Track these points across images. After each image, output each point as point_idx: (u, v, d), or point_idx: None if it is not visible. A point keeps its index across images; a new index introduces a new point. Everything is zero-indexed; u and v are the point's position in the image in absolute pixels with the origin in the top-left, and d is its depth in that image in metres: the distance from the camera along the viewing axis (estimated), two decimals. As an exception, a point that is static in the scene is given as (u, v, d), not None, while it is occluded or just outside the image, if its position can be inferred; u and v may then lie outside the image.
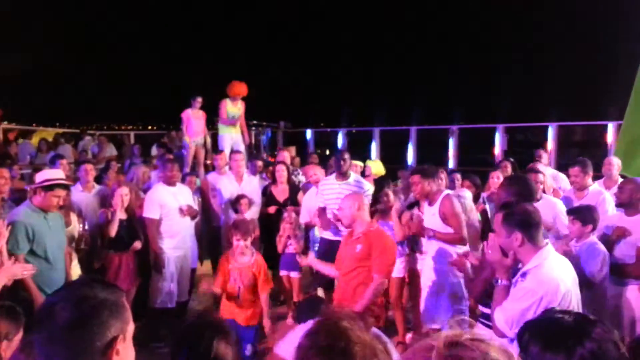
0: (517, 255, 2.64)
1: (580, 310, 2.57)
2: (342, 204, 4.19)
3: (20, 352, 1.95)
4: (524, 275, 2.57)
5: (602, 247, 4.02)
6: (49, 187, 4.02)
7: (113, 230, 5.06)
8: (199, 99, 8.90)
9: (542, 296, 2.44)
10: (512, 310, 2.51)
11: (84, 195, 5.66)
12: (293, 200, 6.18)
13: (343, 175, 5.53)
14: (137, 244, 5.22)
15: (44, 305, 1.31)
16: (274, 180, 6.48)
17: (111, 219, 5.11)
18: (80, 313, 1.26)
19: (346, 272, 4.01)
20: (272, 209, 6.25)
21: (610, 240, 4.29)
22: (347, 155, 5.57)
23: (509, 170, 6.35)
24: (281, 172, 6.37)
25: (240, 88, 8.26)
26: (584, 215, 4.06)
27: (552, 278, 2.48)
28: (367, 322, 1.51)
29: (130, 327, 1.37)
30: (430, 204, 4.62)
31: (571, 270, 2.65)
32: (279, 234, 5.82)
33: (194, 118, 8.89)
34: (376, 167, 7.75)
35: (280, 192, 6.32)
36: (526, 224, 2.61)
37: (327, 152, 14.09)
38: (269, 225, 6.30)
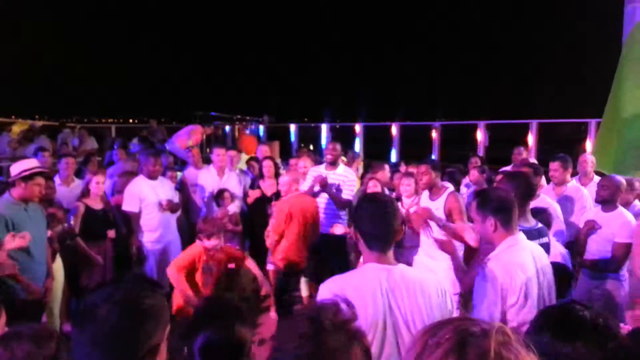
0: (492, 242, 2.65)
1: (551, 299, 2.58)
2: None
3: None
4: (486, 263, 2.56)
5: (558, 246, 3.95)
6: (29, 177, 3.98)
7: (76, 226, 4.99)
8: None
9: (501, 283, 2.43)
10: (484, 311, 2.46)
11: (63, 190, 5.56)
12: (278, 195, 6.18)
13: (332, 164, 5.61)
14: (111, 233, 5.16)
15: (88, 304, 1.26)
16: (261, 175, 6.48)
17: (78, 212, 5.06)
18: (127, 322, 1.22)
19: None
20: (252, 197, 6.28)
21: (581, 236, 4.36)
22: (338, 146, 5.67)
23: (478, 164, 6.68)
24: (269, 167, 6.39)
25: (249, 147, 9.18)
26: (539, 219, 4.03)
27: (509, 265, 2.48)
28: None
29: (168, 329, 1.33)
30: (433, 198, 4.61)
31: (542, 258, 2.64)
32: (267, 229, 5.81)
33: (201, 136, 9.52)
34: None
35: (268, 186, 6.33)
36: (500, 210, 2.61)
37: (311, 146, 14.08)
38: (253, 220, 6.31)
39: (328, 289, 2.06)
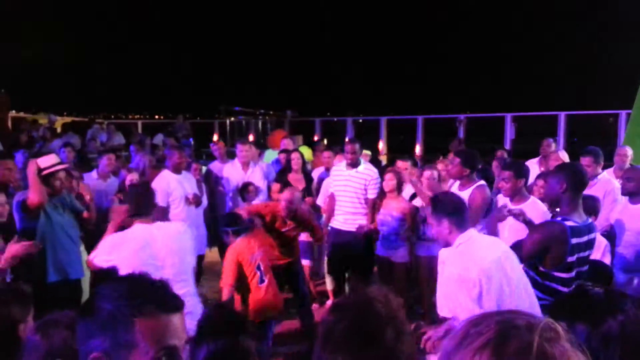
0: (448, 243, 2.82)
1: (525, 287, 2.69)
2: None
3: (36, 333, 1.92)
4: (443, 263, 2.82)
5: (601, 238, 3.94)
6: (46, 179, 4.05)
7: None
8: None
9: (459, 275, 2.63)
10: (463, 304, 2.60)
11: (99, 184, 5.69)
12: (309, 190, 6.18)
13: (353, 166, 5.55)
14: None
15: (91, 296, 1.22)
16: (289, 169, 6.43)
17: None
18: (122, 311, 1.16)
19: None
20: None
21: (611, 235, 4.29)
22: (356, 146, 5.57)
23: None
24: (297, 160, 6.32)
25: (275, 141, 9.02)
26: (585, 206, 3.97)
27: (464, 259, 2.68)
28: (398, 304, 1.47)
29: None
30: (461, 188, 4.48)
31: (501, 248, 2.77)
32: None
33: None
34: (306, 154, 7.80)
35: (297, 180, 6.25)
36: (453, 211, 2.78)
37: (325, 141, 14.09)
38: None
39: (104, 250, 3.32)
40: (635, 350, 1.36)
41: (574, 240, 2.87)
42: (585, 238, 2.96)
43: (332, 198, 5.68)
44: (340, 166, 5.73)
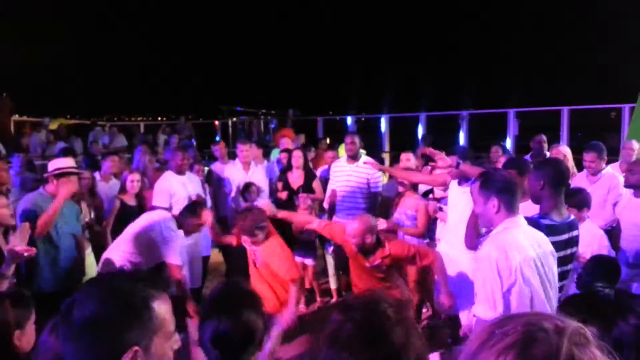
0: (492, 223, 2.61)
1: (554, 286, 2.55)
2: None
3: (50, 335, 1.89)
4: (482, 243, 2.56)
5: (597, 230, 3.94)
6: (61, 175, 4.13)
7: (110, 220, 5.23)
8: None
9: (496, 260, 2.39)
10: (482, 292, 2.43)
11: (101, 185, 5.75)
12: (308, 187, 6.15)
13: (353, 158, 5.56)
14: None
15: (71, 297, 1.18)
16: (289, 166, 6.36)
17: (116, 207, 5.25)
18: (96, 313, 1.12)
19: None
20: (283, 195, 6.19)
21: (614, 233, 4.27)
22: (357, 139, 5.59)
23: (500, 154, 6.41)
24: (297, 157, 6.25)
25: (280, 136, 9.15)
26: (576, 201, 3.88)
27: (505, 243, 2.44)
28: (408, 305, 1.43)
29: (160, 339, 1.17)
30: (461, 183, 4.33)
31: (544, 243, 2.57)
32: (300, 194, 5.77)
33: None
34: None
35: (295, 178, 6.21)
36: (504, 190, 2.56)
37: (328, 140, 14.04)
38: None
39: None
40: None
41: (551, 239, 2.78)
42: (565, 236, 2.89)
43: (332, 194, 5.66)
44: (340, 161, 5.74)
